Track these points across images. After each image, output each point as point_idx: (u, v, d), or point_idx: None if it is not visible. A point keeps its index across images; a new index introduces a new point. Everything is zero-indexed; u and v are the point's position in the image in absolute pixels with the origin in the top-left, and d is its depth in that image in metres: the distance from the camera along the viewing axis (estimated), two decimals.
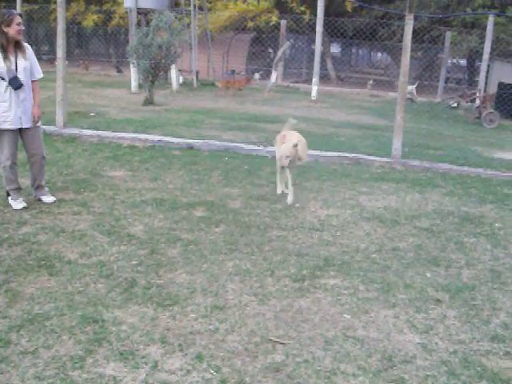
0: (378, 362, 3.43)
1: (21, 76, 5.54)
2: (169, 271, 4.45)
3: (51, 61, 27.03)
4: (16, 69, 5.51)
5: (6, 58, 5.45)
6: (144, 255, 4.72)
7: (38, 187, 5.96)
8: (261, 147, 8.97)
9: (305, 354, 3.45)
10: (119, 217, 5.61)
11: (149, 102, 14.22)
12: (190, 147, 8.83)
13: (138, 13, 18.55)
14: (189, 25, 20.13)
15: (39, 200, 5.95)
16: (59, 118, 9.42)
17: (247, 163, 8.11)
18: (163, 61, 14.80)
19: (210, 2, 25.31)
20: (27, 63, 5.62)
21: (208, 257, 4.76)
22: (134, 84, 17.13)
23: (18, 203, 5.74)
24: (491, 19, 17.90)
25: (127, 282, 4.21)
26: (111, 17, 29.18)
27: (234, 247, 5.00)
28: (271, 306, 4.00)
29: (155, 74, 14.68)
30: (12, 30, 5.42)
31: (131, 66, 16.75)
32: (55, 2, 27.46)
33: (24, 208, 5.70)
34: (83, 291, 4.05)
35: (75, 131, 9.35)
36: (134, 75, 17.06)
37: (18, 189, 5.84)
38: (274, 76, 19.92)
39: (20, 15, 5.57)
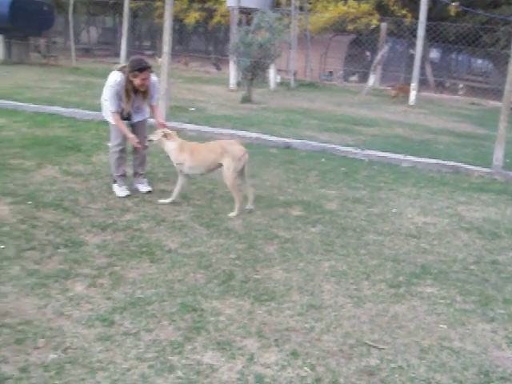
0: (474, 375, 3.34)
1: (134, 115, 6.10)
2: (266, 267, 4.50)
3: (152, 56, 27.86)
4: (132, 106, 5.97)
5: (127, 102, 5.83)
6: (242, 249, 4.80)
7: (137, 175, 6.23)
8: (358, 150, 8.90)
9: (399, 360, 3.41)
10: (218, 210, 5.73)
11: (247, 99, 14.40)
12: (288, 146, 8.88)
13: (240, 12, 18.81)
14: (289, 25, 20.22)
15: (136, 189, 6.19)
16: (162, 111, 9.69)
17: (344, 165, 8.08)
18: (263, 60, 14.93)
19: (311, 3, 25.34)
20: (144, 102, 6.07)
21: (304, 256, 4.78)
22: (232, 81, 17.40)
23: (122, 190, 5.99)
24: None
25: (225, 275, 4.29)
26: (212, 15, 29.73)
27: (330, 248, 5.00)
28: (366, 310, 3.98)
29: (254, 72, 14.84)
30: (137, 81, 5.70)
31: (231, 63, 17.02)
32: (160, 0, 28.24)
33: (127, 196, 5.92)
34: (183, 280, 4.17)
35: (176, 125, 9.59)
36: (232, 73, 17.33)
37: (124, 176, 6.10)
38: (371, 79, 19.73)
39: (149, 68, 5.75)
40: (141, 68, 5.65)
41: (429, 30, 19.58)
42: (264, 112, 12.81)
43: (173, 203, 5.83)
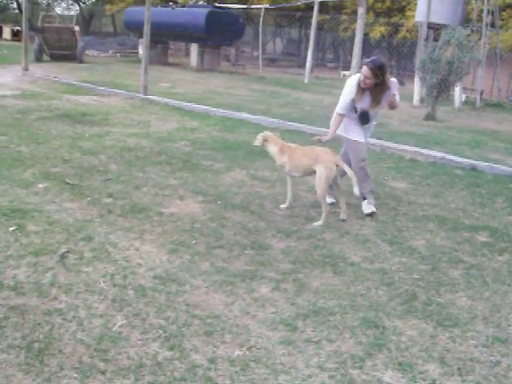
0: None
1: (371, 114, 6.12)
2: (449, 292, 4.37)
3: (335, 68, 28.11)
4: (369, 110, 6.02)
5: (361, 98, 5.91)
6: (425, 271, 4.70)
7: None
8: None
9: None
10: (401, 228, 5.66)
11: (430, 117, 14.05)
12: (473, 168, 8.54)
13: (428, 27, 18.40)
14: (478, 42, 19.43)
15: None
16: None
17: None
18: (450, 77, 14.49)
19: (503, 19, 24.15)
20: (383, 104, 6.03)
21: (490, 285, 4.57)
22: (416, 98, 17.07)
23: (369, 208, 6.00)
24: None
25: (408, 295, 4.23)
26: (398, 30, 29.38)
27: None
28: None
29: (440, 89, 14.44)
30: (362, 77, 5.80)
31: (416, 79, 16.70)
32: (346, 13, 28.32)
33: (372, 213, 5.98)
34: (365, 294, 4.17)
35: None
36: (417, 89, 17.00)
37: (371, 191, 6.16)
38: None
39: (371, 69, 5.67)
40: (366, 64, 5.75)
41: None
42: (448, 131, 12.42)
43: (357, 217, 5.85)
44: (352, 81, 5.95)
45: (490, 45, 21.96)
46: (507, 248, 5.43)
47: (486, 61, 20.78)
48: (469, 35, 17.87)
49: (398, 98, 5.92)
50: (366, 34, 30.17)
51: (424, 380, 3.23)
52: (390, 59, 35.53)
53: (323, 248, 4.95)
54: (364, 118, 6.06)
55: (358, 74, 5.90)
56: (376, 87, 5.81)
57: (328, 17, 30.26)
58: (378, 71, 5.67)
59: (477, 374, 3.34)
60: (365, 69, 5.71)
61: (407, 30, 28.18)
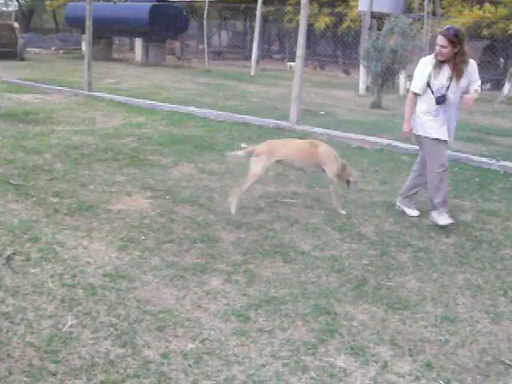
0: None
1: (450, 95, 5.47)
2: (399, 275, 4.44)
3: (282, 59, 28.21)
4: (448, 88, 5.44)
5: (437, 73, 5.45)
6: (374, 256, 4.77)
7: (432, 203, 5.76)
8: (493, 161, 8.57)
9: None
10: (350, 215, 5.72)
11: (376, 105, 14.24)
12: (417, 153, 8.67)
13: (372, 16, 18.64)
14: (420, 30, 19.76)
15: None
16: (293, 114, 9.83)
17: (478, 176, 7.80)
18: (394, 65, 14.71)
19: (444, 8, 24.61)
20: (463, 83, 5.48)
21: (438, 266, 4.67)
22: (361, 86, 17.27)
23: (444, 218, 5.62)
24: None
25: (358, 280, 4.29)
26: (342, 20, 29.64)
27: (464, 260, 4.85)
28: (504, 327, 3.82)
29: (385, 77, 14.64)
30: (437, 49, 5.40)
31: (360, 68, 16.90)
32: (290, 4, 28.42)
33: (449, 224, 5.60)
34: (316, 282, 4.21)
35: (307, 128, 9.68)
36: (362, 78, 17.20)
37: (445, 202, 5.68)
38: (507, 87, 18.89)
39: (445, 36, 5.27)
40: (442, 32, 5.36)
41: None
42: (394, 118, 12.58)
43: (305, 206, 5.89)
44: (424, 59, 5.56)
45: (432, 33, 22.38)
46: (453, 230, 5.55)
47: (428, 48, 21.18)
48: (411, 24, 18.17)
49: (477, 91, 5.55)
50: (310, 25, 30.35)
51: (376, 362, 3.28)
52: (335, 49, 35.89)
53: (273, 238, 4.97)
54: (441, 98, 5.45)
55: (432, 54, 5.54)
56: (455, 58, 5.36)
57: (272, 8, 30.33)
58: (455, 38, 5.27)
59: (427, 354, 3.41)
60: (440, 38, 5.31)
61: (351, 20, 28.44)
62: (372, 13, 18.39)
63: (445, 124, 5.60)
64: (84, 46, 20.16)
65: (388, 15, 16.20)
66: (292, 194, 6.24)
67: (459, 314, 3.94)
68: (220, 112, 10.92)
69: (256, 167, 5.51)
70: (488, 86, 23.74)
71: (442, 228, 5.55)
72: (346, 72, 25.95)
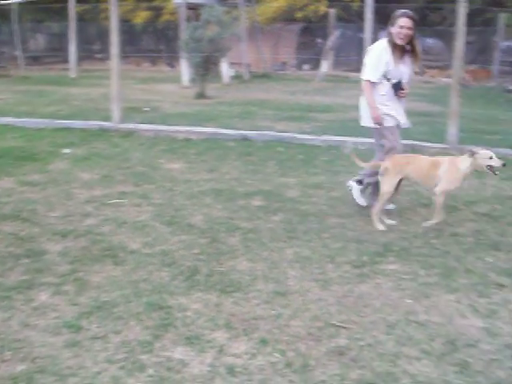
0: (441, 345, 3.40)
1: (404, 80, 5.54)
2: (230, 259, 4.51)
3: (103, 59, 27.55)
4: (403, 73, 5.51)
5: (394, 60, 5.43)
6: (205, 244, 4.81)
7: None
8: (315, 136, 8.95)
9: (368, 337, 3.46)
10: (179, 207, 5.72)
11: (201, 95, 14.36)
12: (245, 138, 8.89)
13: (188, 8, 18.72)
14: (238, 17, 20.17)
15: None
16: (115, 113, 9.63)
17: (302, 153, 8.13)
18: (214, 54, 14.90)
19: None
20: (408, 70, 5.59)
21: (268, 244, 4.81)
22: (185, 78, 17.31)
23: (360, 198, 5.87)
24: None
25: (190, 270, 4.29)
26: (160, 13, 29.52)
27: (292, 235, 5.03)
28: (333, 292, 4.02)
29: (206, 67, 14.79)
30: (393, 31, 5.38)
31: (182, 60, 16.93)
32: (105, 1, 27.89)
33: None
34: (147, 279, 4.15)
35: (131, 126, 9.54)
36: (185, 70, 17.25)
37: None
38: (324, 66, 19.84)
39: (410, 17, 5.34)
40: (397, 15, 5.36)
41: (377, 12, 19.72)
42: (219, 106, 12.80)
43: (133, 205, 5.81)
44: (379, 45, 5.52)
45: (250, 19, 22.92)
46: (281, 207, 5.74)
47: (249, 35, 21.67)
48: (229, 12, 18.48)
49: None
50: (128, 21, 29.93)
51: (212, 348, 3.30)
52: (157, 43, 35.68)
53: (102, 242, 4.83)
54: (397, 86, 5.52)
55: (381, 41, 5.54)
56: (413, 40, 5.47)
57: (88, 6, 29.50)
58: (415, 20, 5.38)
59: (261, 330, 3.49)
60: (405, 20, 5.31)
61: (170, 13, 28.36)
62: (187, 4, 18.45)
63: (399, 109, 5.65)
64: None
65: (203, 6, 16.35)
66: (119, 195, 6.11)
67: (290, 286, 4.08)
68: (40, 119, 10.45)
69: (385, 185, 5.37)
70: (308, 66, 24.81)
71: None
72: (170, 65, 25.93)
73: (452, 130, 8.71)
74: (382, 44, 5.45)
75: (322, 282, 4.17)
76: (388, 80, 5.47)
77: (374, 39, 21.35)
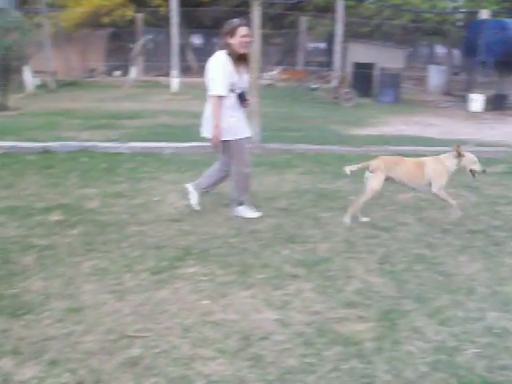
0: (236, 342, 3.51)
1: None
2: (22, 280, 4.29)
3: None
4: (244, 82, 5.59)
5: (237, 70, 5.45)
6: None
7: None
8: (119, 144, 8.84)
9: (163, 344, 3.47)
10: None
11: (2, 106, 13.59)
12: (46, 150, 8.55)
13: None
14: (41, 24, 19.37)
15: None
16: None
17: (105, 161, 7.98)
18: (14, 63, 14.17)
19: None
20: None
21: (64, 260, 4.65)
22: None
23: (254, 212, 5.90)
24: (341, 3, 18.69)
25: None
26: None
27: (90, 247, 4.92)
28: (129, 302, 3.99)
29: (7, 76, 14.03)
30: (234, 41, 5.33)
31: None
32: None
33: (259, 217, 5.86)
34: None
35: None
36: None
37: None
38: (133, 71, 19.68)
39: (247, 25, 5.40)
40: (235, 25, 5.36)
41: (184, 16, 19.93)
42: (22, 118, 12.20)
43: None
44: (219, 57, 5.44)
45: (55, 25, 22.10)
46: (79, 220, 5.59)
47: (54, 42, 20.88)
48: (32, 18, 17.68)
49: None
50: None
51: None
52: None
53: None
54: (242, 96, 5.58)
55: (219, 53, 5.47)
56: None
57: None
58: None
59: (52, 351, 3.37)
60: (245, 29, 5.36)
61: None
62: None
63: (244, 120, 5.73)
64: None
65: None
66: None
67: (84, 301, 3.98)
68: None
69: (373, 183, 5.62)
70: (118, 72, 24.45)
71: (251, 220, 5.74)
72: None
73: (253, 130, 9.02)
74: (222, 56, 5.50)
75: (119, 292, 4.12)
76: (233, 91, 5.55)
77: (184, 44, 21.68)
